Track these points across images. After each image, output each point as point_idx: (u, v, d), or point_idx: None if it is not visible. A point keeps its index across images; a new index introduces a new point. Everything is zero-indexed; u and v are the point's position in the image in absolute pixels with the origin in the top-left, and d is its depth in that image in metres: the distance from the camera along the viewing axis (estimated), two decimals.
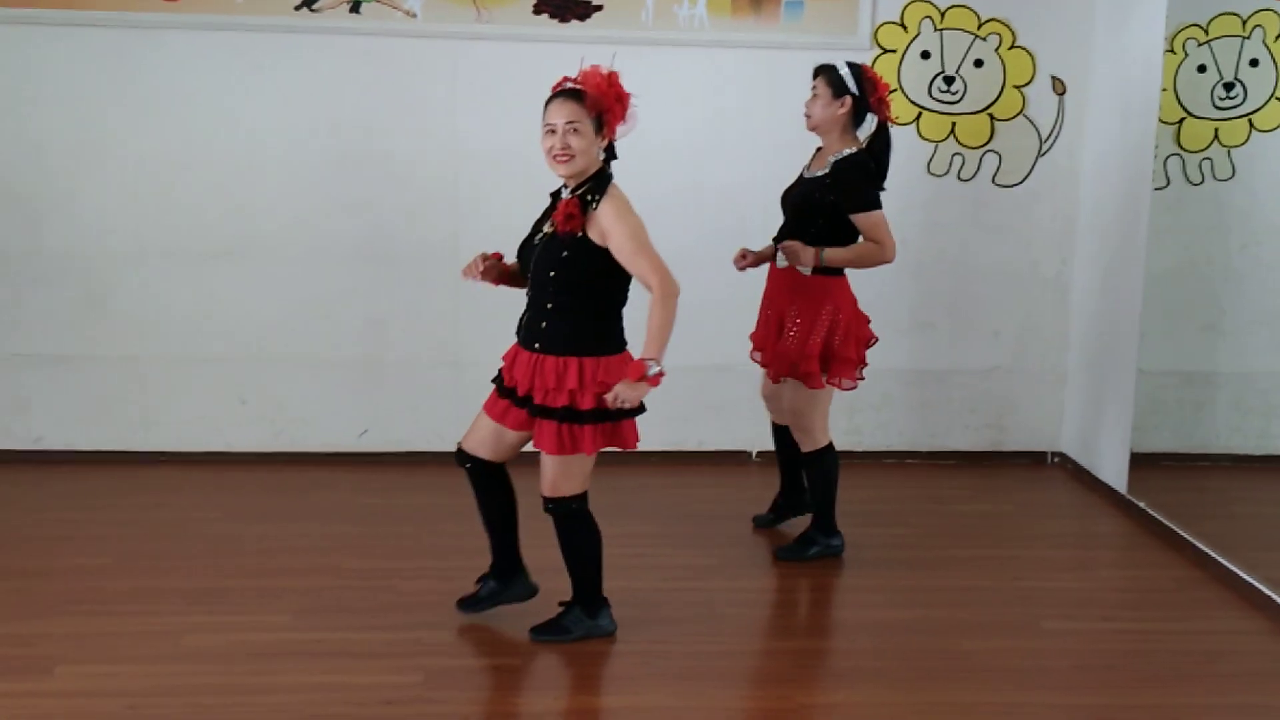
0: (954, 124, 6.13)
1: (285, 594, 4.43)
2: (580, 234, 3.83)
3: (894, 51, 6.06)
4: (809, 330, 4.66)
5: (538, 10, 5.85)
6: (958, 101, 6.13)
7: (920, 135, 6.12)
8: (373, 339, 6.07)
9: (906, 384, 6.29)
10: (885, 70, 6.03)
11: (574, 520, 4.02)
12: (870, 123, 4.70)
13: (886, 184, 4.74)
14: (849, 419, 6.28)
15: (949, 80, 6.10)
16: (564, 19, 5.87)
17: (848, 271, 4.74)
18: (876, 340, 4.87)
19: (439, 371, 6.12)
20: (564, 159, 3.84)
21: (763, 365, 4.95)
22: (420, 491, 5.69)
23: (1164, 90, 5.51)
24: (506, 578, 4.27)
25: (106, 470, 5.87)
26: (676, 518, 5.37)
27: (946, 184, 6.17)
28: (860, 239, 4.66)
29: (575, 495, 3.99)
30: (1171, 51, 5.54)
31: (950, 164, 6.16)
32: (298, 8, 5.75)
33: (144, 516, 5.26)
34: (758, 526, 5.22)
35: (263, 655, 3.93)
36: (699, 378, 6.05)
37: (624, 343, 3.98)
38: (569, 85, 3.90)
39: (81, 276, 5.89)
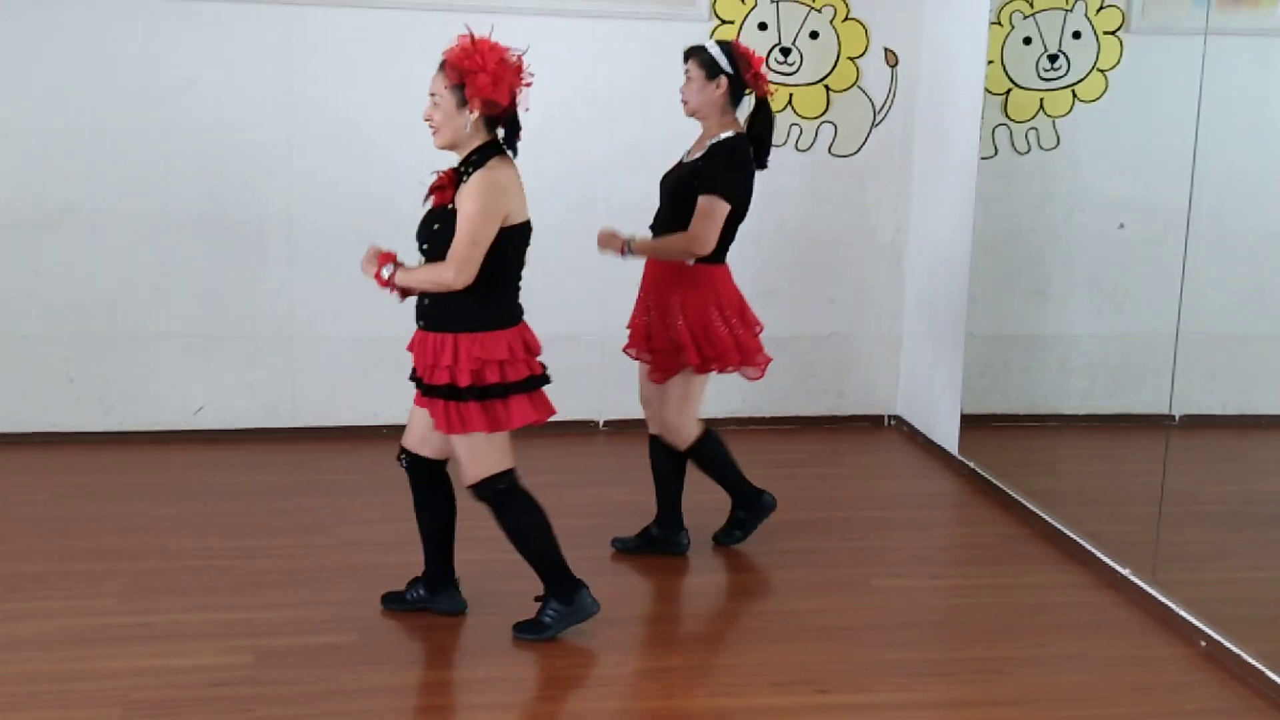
0: (791, 95, 6.20)
1: (112, 576, 4.32)
2: (450, 206, 3.71)
3: (732, 23, 6.09)
4: (705, 321, 4.44)
5: None
6: (794, 73, 6.20)
7: None
8: (207, 313, 5.92)
9: None
10: None
11: (505, 501, 3.89)
12: (748, 102, 4.54)
13: (768, 160, 4.57)
14: None
15: (785, 51, 6.16)
16: None
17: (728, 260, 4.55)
18: (762, 327, 4.68)
19: (276, 345, 6.00)
20: (432, 131, 3.73)
21: (644, 358, 4.64)
22: (257, 469, 5.60)
23: (991, 62, 5.64)
24: (436, 588, 4.12)
25: None
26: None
27: (785, 154, 6.21)
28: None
29: (495, 475, 3.85)
30: (998, 24, 5.68)
31: (788, 134, 6.22)
32: None
33: None
34: (618, 550, 4.79)
35: (84, 640, 3.82)
36: (546, 347, 6.02)
37: (514, 318, 3.81)
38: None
39: None
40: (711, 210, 4.32)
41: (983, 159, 5.68)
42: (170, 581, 4.30)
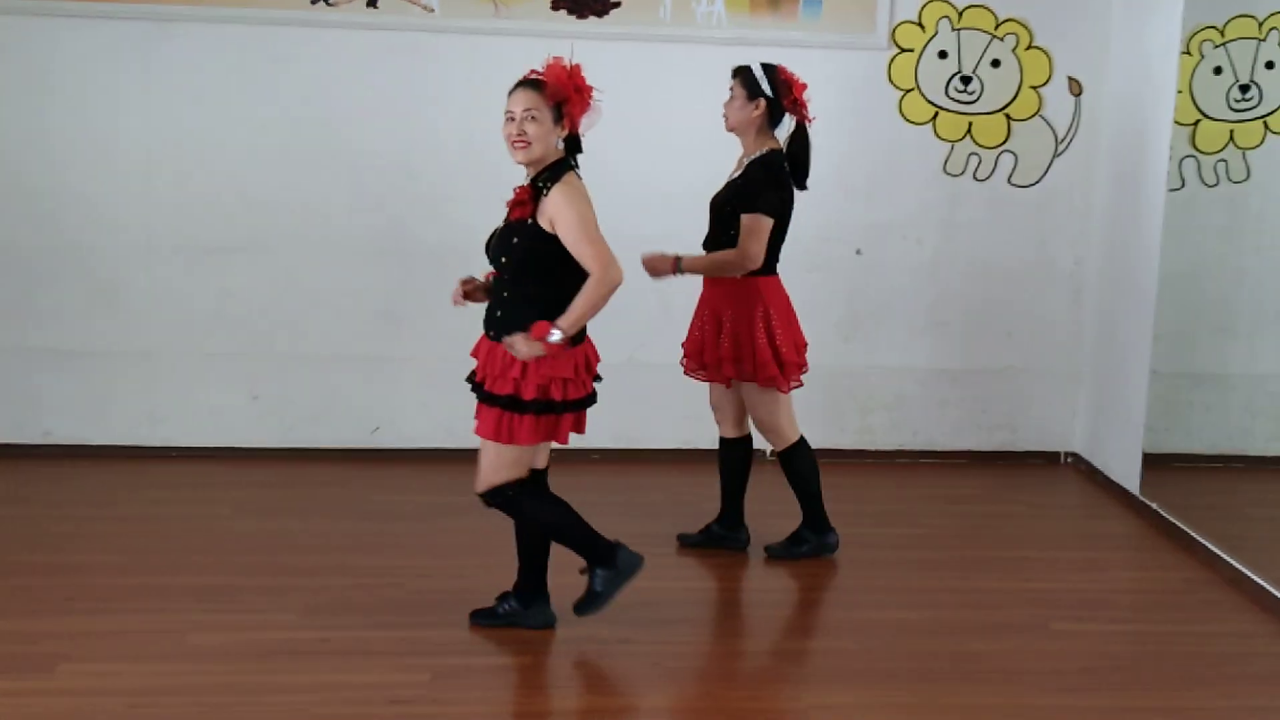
0: (970, 124, 6.11)
1: (293, 592, 4.42)
2: (530, 220, 3.86)
3: (911, 51, 6.03)
4: (750, 333, 4.63)
5: (555, 6, 5.86)
6: (974, 101, 6.10)
7: (937, 135, 6.09)
8: (386, 335, 6.07)
9: (921, 383, 6.27)
10: (903, 70, 6.02)
11: (520, 504, 4.00)
12: (789, 124, 4.71)
13: (809, 183, 4.76)
14: (861, 419, 6.26)
15: (966, 80, 6.07)
16: (582, 15, 5.87)
17: (779, 272, 4.73)
18: (807, 345, 4.80)
19: (452, 368, 6.04)
20: (521, 145, 3.87)
21: (699, 374, 4.85)
22: (432, 489, 5.68)
23: (1179, 92, 5.47)
24: (528, 600, 4.20)
25: (115, 465, 5.87)
26: (690, 516, 5.29)
27: (963, 184, 6.14)
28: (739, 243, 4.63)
29: (508, 483, 3.96)
30: (1187, 53, 5.51)
31: (967, 164, 6.13)
32: (314, 1, 5.75)
33: (152, 512, 5.27)
34: (683, 545, 5.04)
35: (268, 654, 3.92)
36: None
37: (580, 336, 3.93)
38: (532, 76, 3.93)
39: (92, 271, 5.90)
40: (754, 226, 4.56)
41: (1169, 191, 5.51)
42: (349, 598, 4.39)
